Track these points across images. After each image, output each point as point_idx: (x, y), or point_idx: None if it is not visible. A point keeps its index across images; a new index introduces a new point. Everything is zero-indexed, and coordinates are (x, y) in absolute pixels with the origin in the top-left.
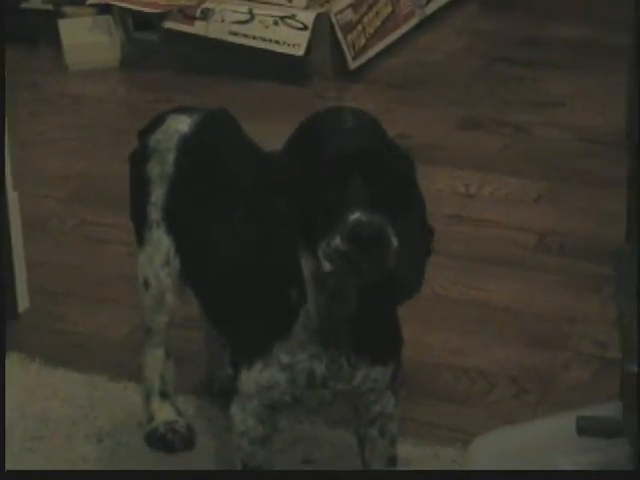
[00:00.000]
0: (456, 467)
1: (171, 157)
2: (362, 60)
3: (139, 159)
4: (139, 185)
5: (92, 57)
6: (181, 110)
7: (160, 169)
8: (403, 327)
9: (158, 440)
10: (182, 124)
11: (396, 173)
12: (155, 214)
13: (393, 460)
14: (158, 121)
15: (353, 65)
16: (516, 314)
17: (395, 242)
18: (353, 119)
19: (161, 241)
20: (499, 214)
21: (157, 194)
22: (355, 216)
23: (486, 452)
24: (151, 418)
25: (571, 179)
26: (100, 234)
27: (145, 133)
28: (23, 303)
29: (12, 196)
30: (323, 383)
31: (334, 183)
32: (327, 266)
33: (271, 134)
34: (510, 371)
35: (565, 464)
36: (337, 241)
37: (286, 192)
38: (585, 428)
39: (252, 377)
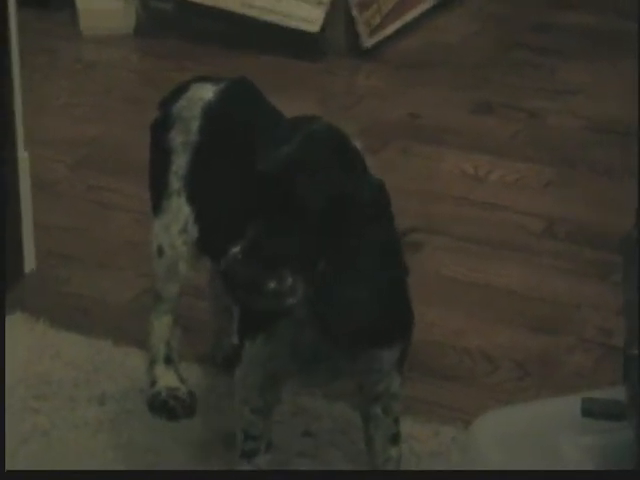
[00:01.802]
0: (455, 446)
1: (195, 125)
2: (376, 39)
3: (161, 128)
4: (160, 153)
5: (106, 23)
6: (204, 79)
7: (184, 137)
8: None
9: (160, 406)
10: (206, 92)
11: (317, 204)
12: (176, 182)
13: (396, 438)
14: (181, 89)
15: (367, 44)
16: (521, 298)
17: (272, 285)
18: (299, 140)
19: (180, 209)
20: (507, 199)
21: (179, 162)
22: (234, 250)
23: (488, 431)
24: (154, 383)
25: (581, 167)
26: (108, 200)
27: (166, 102)
28: (29, 264)
29: (22, 156)
30: (327, 359)
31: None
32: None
33: (282, 109)
34: (514, 354)
35: (568, 445)
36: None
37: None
38: (590, 410)
39: (255, 349)
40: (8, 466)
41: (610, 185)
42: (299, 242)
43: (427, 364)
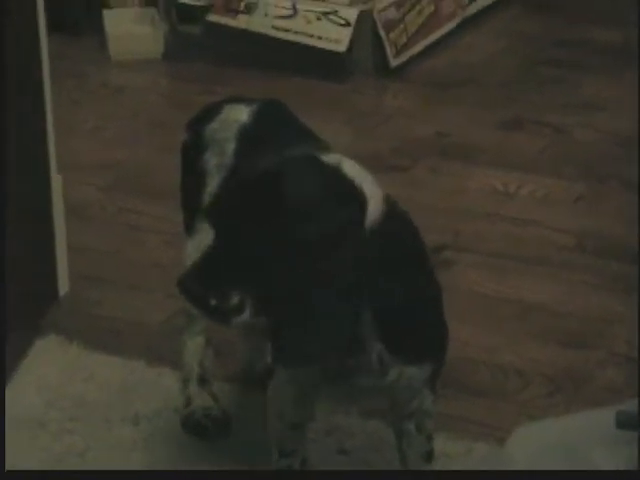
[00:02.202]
0: (489, 463)
1: (230, 147)
2: (403, 58)
3: (194, 149)
4: (193, 175)
5: (135, 48)
6: (235, 100)
7: (218, 160)
8: None
9: (194, 425)
10: (241, 114)
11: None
12: None
13: (430, 455)
14: (212, 111)
15: (394, 63)
16: (552, 313)
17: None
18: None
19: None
20: (537, 214)
21: (214, 184)
22: (190, 264)
23: (522, 446)
24: (188, 403)
25: (610, 181)
26: (138, 222)
27: (197, 123)
28: (63, 287)
29: (56, 179)
30: (353, 376)
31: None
32: None
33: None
34: (544, 369)
35: (603, 458)
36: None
37: None
38: (624, 422)
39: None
40: None
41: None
42: (262, 261)
43: (460, 381)
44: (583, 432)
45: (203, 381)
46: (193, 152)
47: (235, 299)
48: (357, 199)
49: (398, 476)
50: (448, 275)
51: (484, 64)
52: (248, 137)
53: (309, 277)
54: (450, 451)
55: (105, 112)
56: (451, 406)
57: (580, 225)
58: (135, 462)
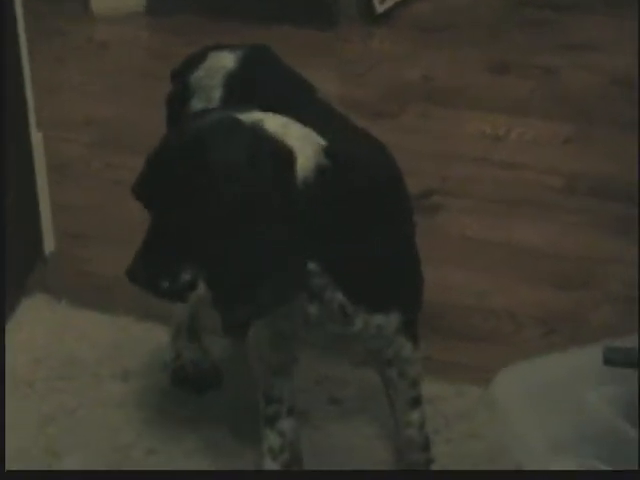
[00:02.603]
0: (481, 405)
1: (217, 94)
2: (388, 4)
3: (178, 99)
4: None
5: (117, 2)
6: (219, 47)
7: (205, 107)
8: (429, 269)
9: (185, 379)
10: (227, 60)
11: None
12: None
13: (417, 401)
14: (197, 59)
15: (380, 9)
16: (544, 255)
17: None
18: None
19: None
20: (527, 157)
21: None
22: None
23: (508, 387)
24: (177, 357)
25: (600, 122)
26: (124, 178)
27: (181, 72)
28: (49, 245)
29: (36, 137)
30: (320, 324)
31: None
32: None
33: None
34: (538, 312)
35: (592, 396)
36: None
37: None
38: (612, 359)
39: None
40: (36, 446)
41: (629, 139)
42: (199, 231)
43: (451, 326)
44: (571, 371)
45: (193, 334)
46: (178, 102)
47: (186, 276)
48: (280, 155)
49: (398, 476)
50: (437, 220)
51: (470, 7)
52: (235, 83)
53: (240, 239)
54: (441, 394)
55: (89, 68)
56: (442, 351)
57: (570, 167)
58: (126, 418)
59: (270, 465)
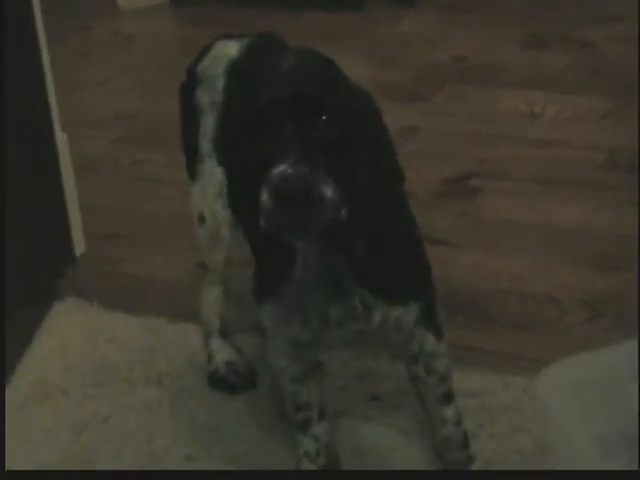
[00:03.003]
0: (527, 397)
1: (220, 83)
2: None
3: (188, 90)
4: (189, 116)
5: None
6: (229, 36)
7: (209, 97)
8: (466, 254)
9: (220, 381)
10: (230, 49)
11: (339, 118)
12: (207, 145)
13: (449, 396)
14: (205, 49)
15: None
16: (585, 235)
17: (329, 193)
18: (292, 62)
19: (214, 173)
20: (565, 134)
21: (207, 124)
22: (280, 169)
23: (553, 383)
24: (211, 358)
25: (637, 94)
26: (153, 173)
27: (193, 64)
28: (79, 247)
29: (61, 138)
30: (339, 324)
31: (265, 133)
32: (263, 223)
33: None
34: (582, 295)
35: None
36: (264, 198)
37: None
38: None
39: (268, 315)
40: (70, 456)
41: None
42: (333, 156)
43: (492, 314)
44: (616, 367)
45: (224, 334)
46: (188, 93)
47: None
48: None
49: (398, 476)
50: (476, 204)
51: None
52: (237, 71)
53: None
54: (487, 387)
55: (115, 63)
56: (484, 340)
57: (609, 142)
58: (161, 424)
59: (308, 468)
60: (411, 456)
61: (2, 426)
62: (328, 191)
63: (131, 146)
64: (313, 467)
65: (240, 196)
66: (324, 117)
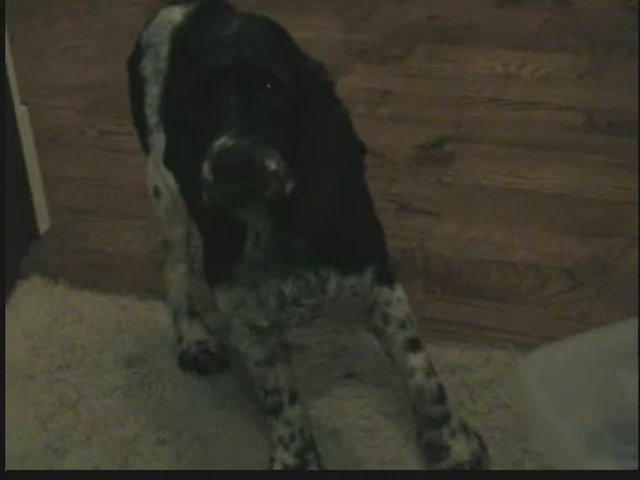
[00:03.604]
0: (508, 372)
1: (164, 51)
2: None
3: (133, 59)
4: (136, 88)
5: None
6: (175, 2)
7: (153, 65)
8: (443, 223)
9: (190, 362)
10: (175, 14)
11: (285, 87)
12: (153, 116)
13: (413, 343)
14: (150, 17)
15: None
16: (566, 201)
17: (273, 165)
18: (236, 28)
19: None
20: (542, 94)
21: (152, 93)
22: (220, 141)
23: (539, 371)
24: (181, 338)
25: (617, 51)
26: (121, 145)
27: (140, 33)
28: (44, 223)
29: (20, 111)
30: (295, 301)
31: (205, 104)
32: (205, 197)
33: (301, 25)
34: (563, 263)
35: (626, 379)
36: (205, 171)
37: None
38: None
39: (222, 297)
40: (37, 444)
41: None
42: (278, 127)
43: (471, 284)
44: (604, 352)
45: (193, 313)
46: (134, 63)
47: (283, 163)
48: None
49: (398, 476)
50: (452, 169)
51: None
52: (182, 38)
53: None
54: (466, 362)
55: (80, 29)
56: (463, 313)
57: (589, 101)
58: (131, 408)
59: (282, 454)
60: (390, 436)
61: (2, 426)
62: (272, 163)
63: (97, 116)
64: (288, 453)
65: (182, 170)
66: (268, 85)
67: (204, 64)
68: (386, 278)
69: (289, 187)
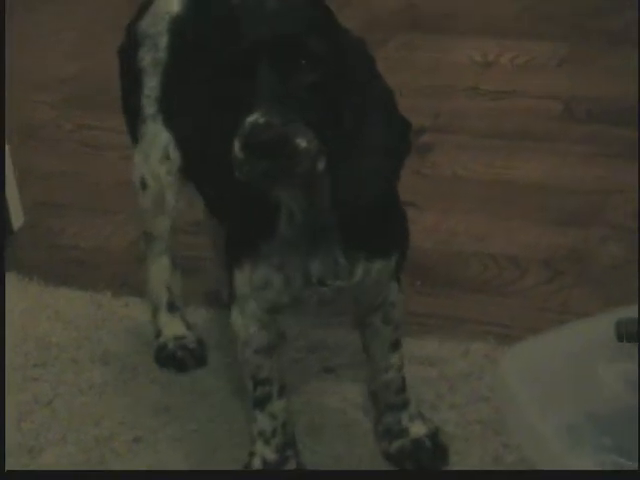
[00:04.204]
0: (488, 363)
1: (163, 41)
2: None
3: (128, 49)
4: (130, 77)
5: None
6: None
7: (152, 56)
8: (422, 214)
9: (167, 357)
10: (172, 5)
11: (322, 62)
12: (150, 107)
13: (397, 344)
14: (145, 6)
15: None
16: (545, 191)
17: (304, 143)
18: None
19: (158, 135)
20: (521, 83)
21: (151, 85)
22: (252, 118)
23: (519, 366)
24: (159, 333)
25: (596, 38)
26: (98, 139)
27: (132, 22)
28: (17, 218)
29: None
30: (321, 281)
31: (241, 78)
32: (237, 174)
33: None
34: (542, 254)
35: (606, 374)
36: (236, 147)
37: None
38: (624, 334)
39: (245, 277)
40: (11, 443)
41: (629, 54)
42: (314, 104)
43: (450, 276)
44: (583, 347)
45: (173, 307)
46: (128, 52)
47: (316, 142)
48: None
49: (398, 476)
50: (429, 160)
51: None
52: (180, 28)
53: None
54: (445, 354)
55: (59, 20)
56: (442, 305)
57: (567, 89)
58: (108, 405)
59: (262, 449)
60: (367, 429)
61: (2, 426)
62: (303, 142)
63: (74, 110)
64: (268, 448)
65: (209, 145)
66: (304, 60)
67: (241, 36)
68: (399, 274)
69: (321, 165)
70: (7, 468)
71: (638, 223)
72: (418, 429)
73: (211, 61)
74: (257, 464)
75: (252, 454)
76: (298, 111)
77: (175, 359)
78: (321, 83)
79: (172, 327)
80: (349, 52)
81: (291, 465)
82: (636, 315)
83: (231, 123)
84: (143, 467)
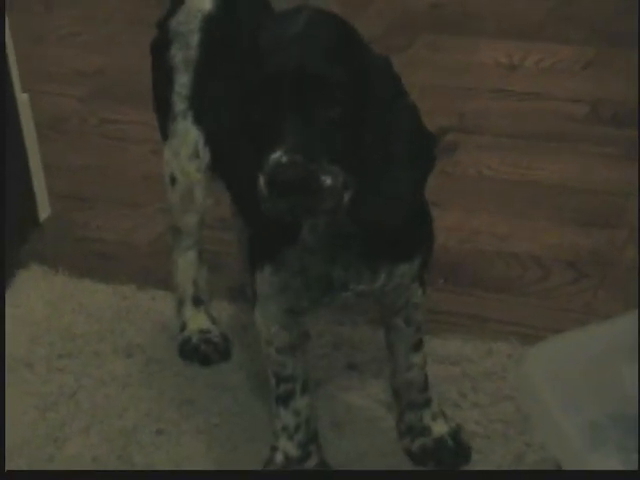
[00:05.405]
0: (511, 363)
1: (195, 39)
2: None
3: (160, 46)
4: (162, 74)
5: None
6: None
7: (184, 54)
8: (446, 214)
9: (191, 351)
10: (204, 2)
11: (344, 94)
12: (181, 104)
13: (420, 344)
14: (177, 3)
15: None
16: (569, 192)
17: (329, 181)
18: (303, 25)
19: (188, 132)
20: (546, 85)
21: (182, 82)
22: (275, 156)
23: (542, 365)
24: (183, 327)
25: (621, 41)
26: (122, 133)
27: (164, 18)
28: (44, 211)
29: (22, 98)
30: (343, 286)
31: (265, 107)
32: (262, 207)
33: None
34: (566, 255)
35: (630, 374)
36: (261, 183)
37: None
38: None
39: (265, 280)
40: (36, 434)
41: None
42: (339, 135)
43: (474, 276)
44: (607, 345)
45: (198, 302)
46: (160, 49)
47: (341, 176)
48: None
49: (398, 476)
50: (454, 160)
51: None
52: (212, 26)
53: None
54: (468, 353)
55: (80, 15)
56: (466, 304)
57: (592, 92)
58: (131, 398)
59: (285, 444)
60: (391, 426)
61: (2, 427)
62: (327, 179)
63: (98, 104)
64: (291, 444)
65: (240, 170)
66: (327, 94)
67: (265, 67)
68: (423, 276)
69: (347, 197)
70: (31, 457)
71: None
72: (440, 428)
73: (240, 83)
74: (279, 459)
75: (274, 449)
76: (322, 146)
77: (199, 353)
78: (344, 114)
79: (197, 321)
80: (373, 74)
81: (313, 461)
82: None
83: (259, 147)
84: (165, 459)
